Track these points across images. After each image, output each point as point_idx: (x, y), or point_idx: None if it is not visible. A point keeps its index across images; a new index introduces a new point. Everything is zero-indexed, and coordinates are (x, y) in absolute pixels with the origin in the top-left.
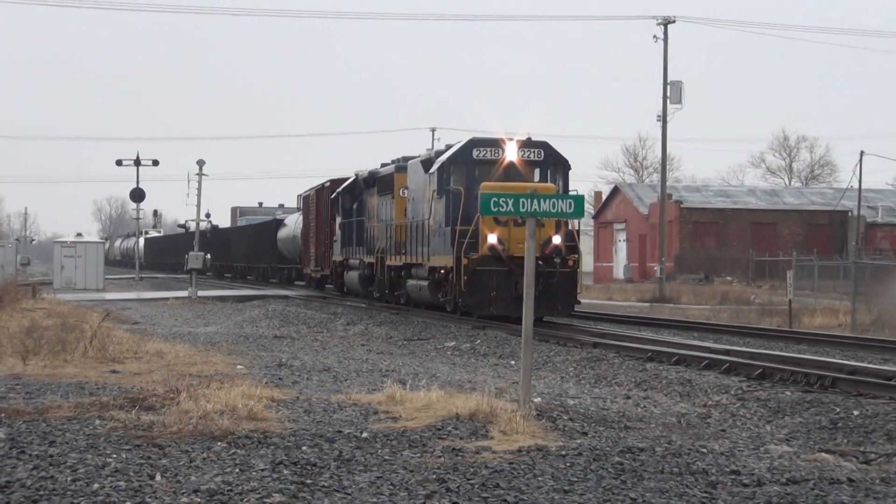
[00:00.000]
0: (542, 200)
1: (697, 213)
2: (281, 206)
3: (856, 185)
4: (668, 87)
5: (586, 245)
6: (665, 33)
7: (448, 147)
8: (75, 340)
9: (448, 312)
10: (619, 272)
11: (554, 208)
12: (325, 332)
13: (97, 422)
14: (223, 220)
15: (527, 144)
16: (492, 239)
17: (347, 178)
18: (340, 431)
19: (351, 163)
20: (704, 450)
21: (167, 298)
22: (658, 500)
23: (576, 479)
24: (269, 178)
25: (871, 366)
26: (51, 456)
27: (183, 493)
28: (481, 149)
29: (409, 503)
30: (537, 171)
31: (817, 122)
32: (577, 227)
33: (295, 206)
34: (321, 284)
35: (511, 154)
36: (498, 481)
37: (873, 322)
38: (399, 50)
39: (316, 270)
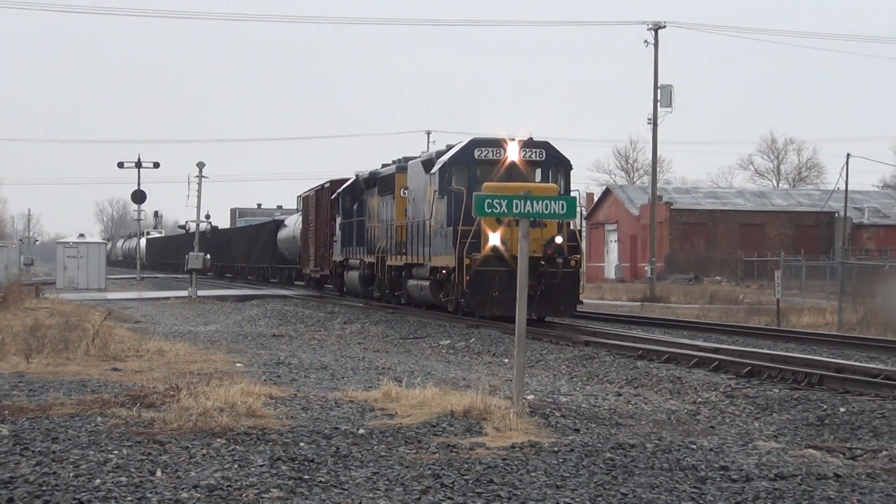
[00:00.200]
0: (534, 202)
1: (687, 215)
2: (279, 207)
3: (842, 187)
4: (659, 90)
5: None
6: (656, 38)
7: (449, 147)
8: (77, 339)
9: (450, 313)
10: (610, 272)
11: (546, 209)
12: (323, 331)
13: (99, 419)
14: (222, 222)
15: (528, 144)
16: (494, 239)
17: (347, 179)
18: (337, 428)
19: (348, 165)
20: (694, 446)
21: (168, 298)
22: (648, 496)
23: (568, 475)
24: (267, 179)
25: (857, 364)
26: (53, 452)
27: (183, 489)
28: (483, 149)
29: (405, 498)
30: (539, 172)
31: (805, 125)
32: (579, 228)
33: (293, 207)
34: (320, 284)
35: (512, 154)
36: (492, 477)
37: (859, 321)
38: (396, 54)
39: (315, 270)
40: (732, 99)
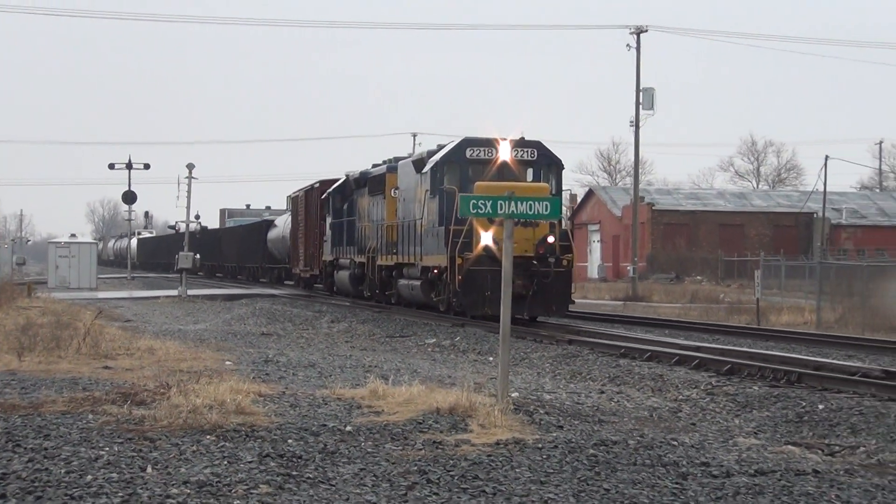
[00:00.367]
0: (518, 202)
1: (669, 215)
2: (268, 207)
3: (821, 188)
4: (641, 93)
5: None
6: (638, 42)
7: (440, 147)
8: (69, 337)
9: (441, 312)
10: (593, 272)
11: (531, 210)
12: (311, 330)
13: (90, 416)
14: (212, 222)
15: (520, 144)
16: (486, 239)
17: (337, 180)
18: (325, 425)
19: (335, 166)
20: (675, 442)
21: (158, 297)
22: (631, 491)
23: (552, 471)
24: (255, 180)
25: (835, 362)
26: (45, 449)
27: (173, 485)
28: (474, 148)
29: (392, 494)
30: (530, 171)
31: (784, 128)
32: (571, 227)
33: (281, 207)
34: (310, 284)
35: (504, 154)
36: (477, 473)
37: (837, 320)
38: (382, 57)
39: (305, 270)
40: (713, 102)
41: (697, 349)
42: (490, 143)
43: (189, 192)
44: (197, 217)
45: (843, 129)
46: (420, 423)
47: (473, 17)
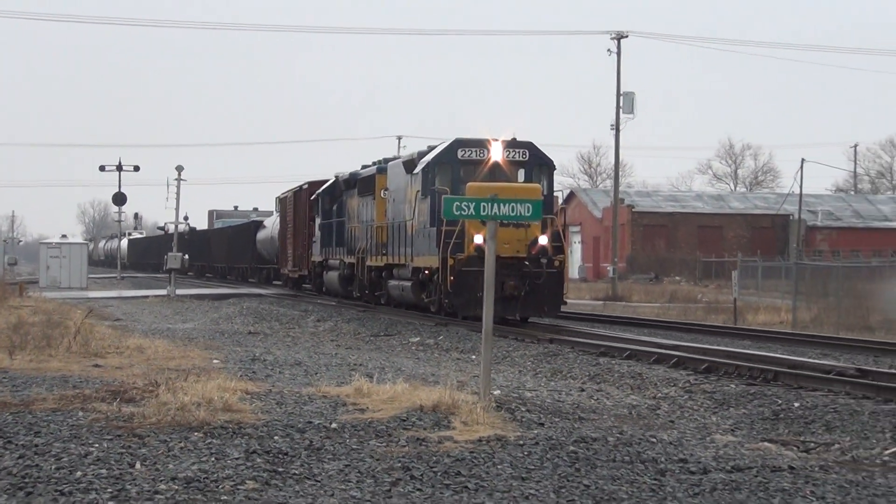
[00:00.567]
0: (501, 204)
1: (648, 217)
2: (255, 209)
3: (797, 191)
4: (621, 97)
5: None
6: (618, 47)
7: (431, 148)
8: (60, 336)
9: (433, 313)
10: (574, 272)
11: (513, 212)
12: (297, 329)
13: (80, 413)
14: (200, 223)
15: (512, 145)
16: (478, 239)
17: (325, 181)
18: (311, 422)
19: (320, 169)
20: (654, 439)
21: (147, 297)
22: (610, 487)
23: (533, 468)
24: (243, 182)
25: (810, 360)
26: (36, 446)
27: (161, 481)
28: (466, 149)
29: (376, 490)
30: (522, 172)
31: (761, 132)
32: (563, 229)
33: (268, 209)
34: (298, 284)
35: (496, 154)
36: (459, 469)
37: (813, 319)
38: (368, 62)
39: (294, 271)
40: (692, 106)
41: (676, 348)
42: (482, 144)
43: (178, 193)
44: (185, 218)
45: (818, 132)
46: (404, 421)
47: (457, 23)
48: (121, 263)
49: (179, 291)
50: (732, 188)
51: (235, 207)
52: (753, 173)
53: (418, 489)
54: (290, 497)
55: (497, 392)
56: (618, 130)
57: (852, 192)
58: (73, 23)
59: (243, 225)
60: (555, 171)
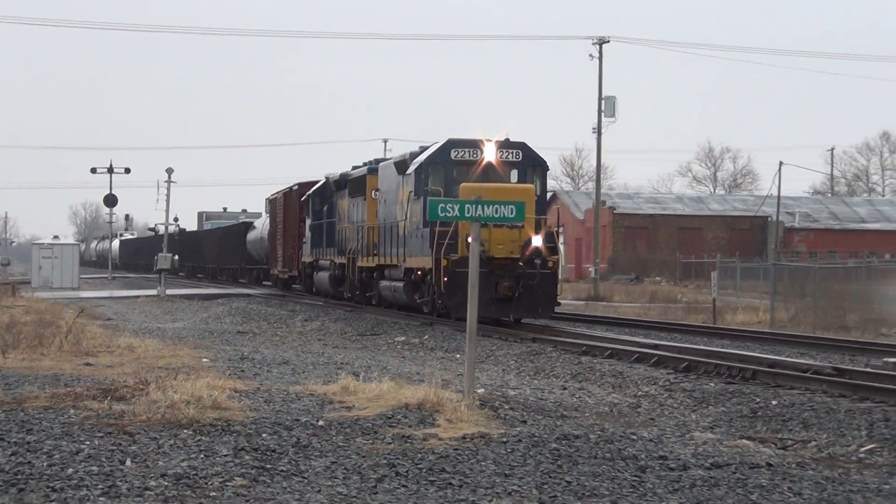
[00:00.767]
0: (485, 206)
1: (629, 219)
2: (244, 210)
3: (775, 193)
4: (603, 101)
5: None
6: (600, 52)
7: (423, 149)
8: (52, 335)
9: (425, 314)
10: None
11: (497, 213)
12: (284, 328)
13: (72, 411)
14: (190, 224)
15: (505, 145)
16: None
17: (315, 182)
18: (298, 420)
19: (307, 171)
20: (634, 437)
21: (138, 296)
22: (592, 483)
23: (516, 464)
24: (232, 184)
25: (788, 359)
26: (28, 443)
27: (151, 477)
28: (459, 149)
29: (362, 486)
30: (515, 172)
31: (740, 135)
32: (556, 229)
33: (257, 210)
34: (288, 285)
35: (489, 155)
36: (444, 466)
37: (790, 319)
38: (354, 66)
39: (283, 271)
40: (672, 109)
41: (656, 347)
42: (475, 145)
43: (168, 195)
44: (175, 220)
45: (796, 136)
46: (389, 418)
47: (442, 28)
48: (112, 264)
49: (169, 291)
50: (712, 190)
51: (224, 209)
52: (732, 176)
53: (403, 485)
54: (277, 493)
55: (481, 390)
56: (600, 134)
57: (829, 195)
58: (67, 27)
59: (233, 226)
60: (548, 172)
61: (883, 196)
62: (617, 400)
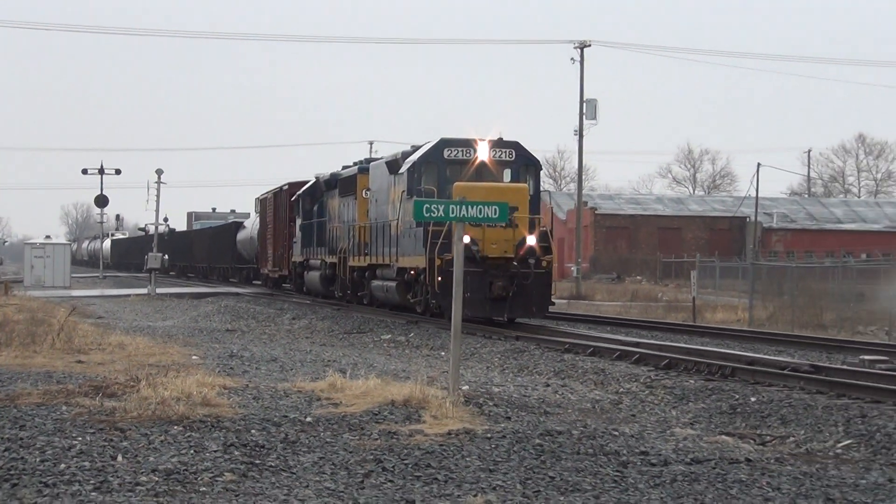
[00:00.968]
0: (469, 207)
1: (610, 219)
2: (233, 211)
3: (753, 194)
4: (585, 104)
5: None
6: (581, 56)
7: (415, 148)
8: (44, 333)
9: (418, 314)
10: None
11: (481, 214)
12: (273, 326)
13: (64, 408)
14: (180, 224)
15: (498, 144)
16: (465, 240)
17: (305, 182)
18: (286, 416)
19: (296, 171)
20: (616, 433)
21: (129, 295)
22: (574, 478)
23: (500, 460)
24: (221, 185)
25: (766, 357)
26: (21, 439)
27: (142, 473)
28: (452, 149)
29: (349, 481)
30: (508, 172)
31: (719, 137)
32: (550, 228)
33: (245, 211)
34: (278, 284)
35: (482, 154)
36: (429, 461)
37: (769, 317)
38: (342, 69)
39: (274, 271)
40: (652, 112)
41: (637, 345)
42: (468, 144)
43: (158, 196)
44: (165, 220)
45: (774, 138)
46: (376, 415)
47: (428, 32)
48: (103, 263)
49: (160, 290)
50: (691, 191)
51: (213, 209)
52: (711, 177)
53: (390, 480)
54: (266, 488)
55: (465, 387)
56: (581, 136)
57: (806, 196)
58: (57, 30)
59: (224, 226)
60: (541, 171)
61: (859, 197)
62: (599, 397)
